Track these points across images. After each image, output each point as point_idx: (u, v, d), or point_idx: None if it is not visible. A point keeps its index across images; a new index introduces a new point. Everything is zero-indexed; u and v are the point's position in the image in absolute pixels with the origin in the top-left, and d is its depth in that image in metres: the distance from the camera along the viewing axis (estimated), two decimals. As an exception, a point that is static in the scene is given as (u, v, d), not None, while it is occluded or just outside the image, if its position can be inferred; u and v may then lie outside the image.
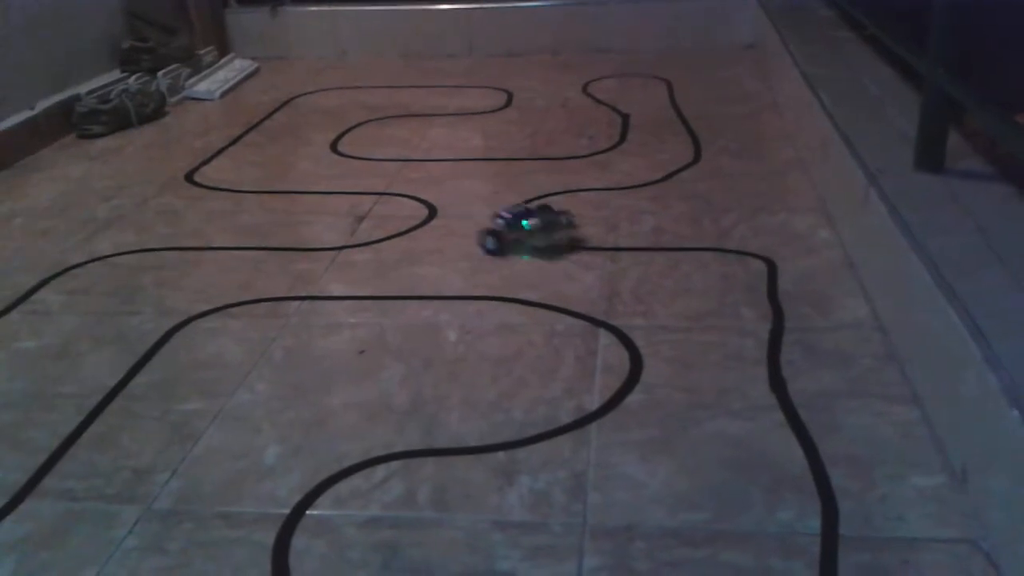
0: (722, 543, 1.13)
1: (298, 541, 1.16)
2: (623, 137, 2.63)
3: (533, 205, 1.97)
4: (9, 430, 1.40)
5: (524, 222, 1.89)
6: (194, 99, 3.19)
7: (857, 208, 1.77)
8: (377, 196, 2.26)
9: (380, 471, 1.29)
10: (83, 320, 1.73)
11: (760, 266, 1.82)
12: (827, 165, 2.09)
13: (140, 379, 1.52)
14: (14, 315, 1.75)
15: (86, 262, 1.96)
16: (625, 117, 2.81)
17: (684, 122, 2.74)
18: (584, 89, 3.14)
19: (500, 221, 1.91)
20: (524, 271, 1.85)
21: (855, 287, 1.71)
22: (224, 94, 3.24)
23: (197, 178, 2.43)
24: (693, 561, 1.11)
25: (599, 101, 3.00)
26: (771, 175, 2.30)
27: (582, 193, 2.23)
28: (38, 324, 1.72)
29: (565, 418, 1.38)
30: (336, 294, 1.79)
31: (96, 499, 1.24)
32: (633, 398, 1.43)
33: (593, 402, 1.42)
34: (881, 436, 1.31)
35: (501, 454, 1.31)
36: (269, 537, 1.16)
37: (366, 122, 2.89)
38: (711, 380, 1.46)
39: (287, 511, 1.21)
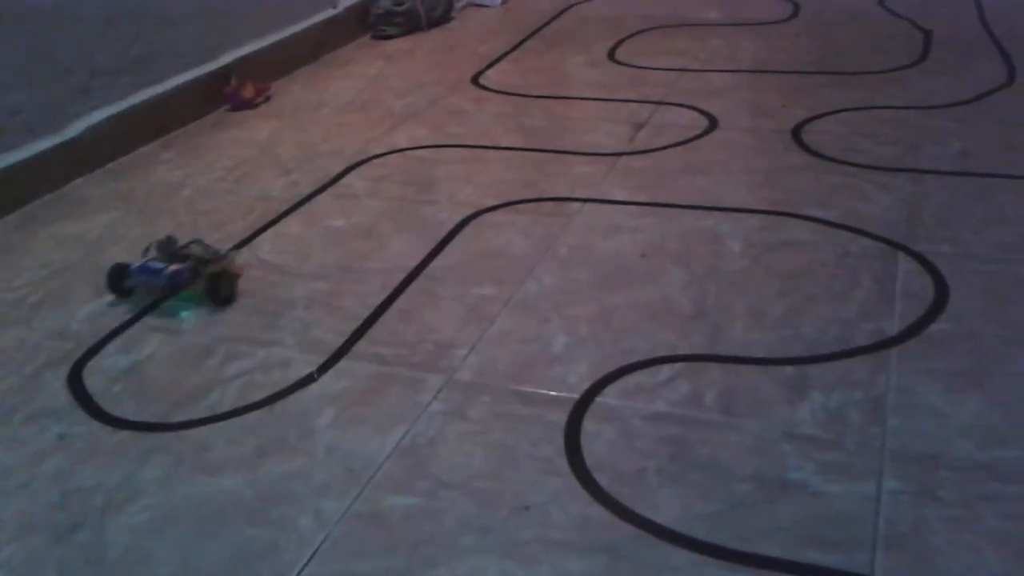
0: (1041, 484, 1.05)
1: (588, 425, 1.20)
2: (924, 55, 2.42)
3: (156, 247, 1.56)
4: (325, 297, 1.54)
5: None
6: (477, 5, 3.27)
7: None
8: (655, 105, 2.24)
9: (665, 370, 1.30)
10: (386, 205, 1.85)
11: (1091, 200, 1.64)
12: None
13: (438, 262, 1.62)
14: (325, 196, 1.91)
15: (386, 153, 2.09)
16: (927, 33, 2.58)
17: (995, 42, 2.48)
18: (880, 1, 2.91)
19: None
20: (812, 188, 1.77)
21: None
22: (505, 1, 3.29)
23: (482, 81, 2.51)
24: (1007, 497, 1.03)
25: (897, 15, 2.77)
26: (1105, 102, 2.04)
27: (877, 111, 2.08)
28: (347, 206, 1.86)
29: (861, 340, 1.32)
30: (617, 198, 1.80)
31: (403, 365, 1.35)
32: (938, 327, 1.34)
33: (893, 327, 1.34)
34: None
35: (790, 368, 1.28)
36: (561, 418, 1.21)
37: (643, 31, 2.85)
38: (1030, 316, 1.34)
39: (577, 396, 1.25)
